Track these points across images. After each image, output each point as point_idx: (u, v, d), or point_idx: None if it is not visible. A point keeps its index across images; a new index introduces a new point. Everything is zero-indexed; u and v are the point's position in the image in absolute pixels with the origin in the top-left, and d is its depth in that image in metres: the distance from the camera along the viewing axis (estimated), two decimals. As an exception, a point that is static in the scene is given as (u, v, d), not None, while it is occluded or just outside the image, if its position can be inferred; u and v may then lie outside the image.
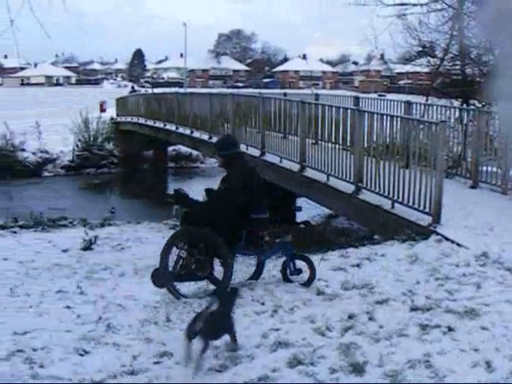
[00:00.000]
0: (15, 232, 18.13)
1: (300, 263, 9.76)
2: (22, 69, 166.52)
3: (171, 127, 31.11)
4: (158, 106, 35.36)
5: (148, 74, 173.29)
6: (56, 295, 11.24)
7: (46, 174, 38.65)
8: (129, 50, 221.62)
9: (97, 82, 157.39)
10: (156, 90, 62.66)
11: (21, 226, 18.65)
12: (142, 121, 38.03)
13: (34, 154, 39.47)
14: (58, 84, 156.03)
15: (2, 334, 8.50)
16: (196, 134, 26.86)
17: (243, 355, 7.09)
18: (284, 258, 9.81)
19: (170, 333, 8.11)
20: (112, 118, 45.10)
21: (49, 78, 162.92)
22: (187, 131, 28.13)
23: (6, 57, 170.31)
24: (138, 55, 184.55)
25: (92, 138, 41.59)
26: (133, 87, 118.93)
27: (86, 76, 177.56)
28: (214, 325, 6.97)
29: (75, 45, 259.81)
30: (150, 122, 36.04)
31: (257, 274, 9.86)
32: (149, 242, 17.03)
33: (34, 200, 25.58)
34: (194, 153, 40.41)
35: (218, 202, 9.16)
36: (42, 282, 12.72)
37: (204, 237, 8.96)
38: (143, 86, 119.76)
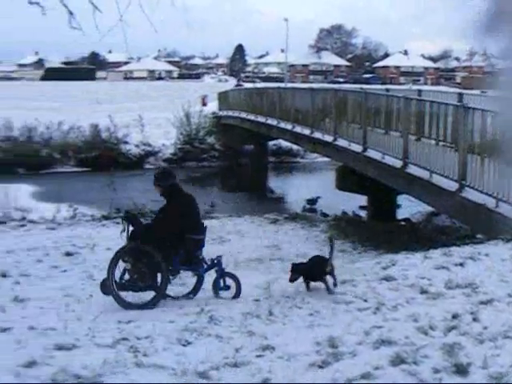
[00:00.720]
0: (118, 223, 18.50)
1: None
2: (126, 63, 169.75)
3: (272, 122, 31.20)
4: (259, 101, 35.50)
5: (249, 69, 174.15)
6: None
7: (148, 166, 39.32)
8: (229, 44, 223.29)
9: (198, 77, 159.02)
10: (257, 85, 62.94)
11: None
12: (243, 115, 38.26)
13: (136, 146, 40.27)
14: (159, 78, 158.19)
15: (107, 322, 8.72)
16: (297, 129, 26.84)
17: (345, 352, 7.05)
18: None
19: (272, 326, 8.12)
20: (213, 112, 45.53)
21: (151, 72, 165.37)
22: (288, 126, 28.15)
23: (110, 51, 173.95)
24: (239, 50, 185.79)
25: (194, 132, 42.11)
26: (239, 80, 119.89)
27: (188, 70, 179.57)
28: None
29: (177, 39, 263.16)
30: (251, 117, 36.22)
31: (197, 288, 10.59)
32: (249, 236, 17.19)
33: (136, 192, 26.01)
34: (295, 147, 40.39)
35: (157, 228, 10.17)
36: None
37: (146, 253, 9.94)
38: (246, 81, 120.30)
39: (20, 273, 12.89)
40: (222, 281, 10.51)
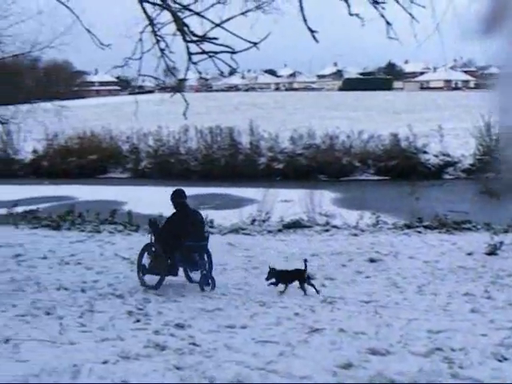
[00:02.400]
0: (420, 232, 18.49)
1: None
2: (422, 73, 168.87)
3: None
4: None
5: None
6: (463, 297, 11.29)
7: (447, 176, 38.81)
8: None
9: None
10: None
11: (425, 227, 18.98)
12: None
13: (435, 156, 39.87)
14: (456, 88, 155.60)
15: (417, 331, 8.73)
16: None
17: None
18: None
19: None
20: (515, 123, 44.03)
21: (447, 82, 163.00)
22: None
23: (406, 62, 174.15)
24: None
25: (493, 143, 40.91)
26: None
27: (484, 80, 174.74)
28: None
29: (473, 48, 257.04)
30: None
31: (203, 279, 12.67)
32: None
33: (435, 201, 25.75)
34: None
35: (163, 231, 13.10)
36: (448, 283, 12.83)
37: (156, 250, 12.98)
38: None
39: (325, 276, 13.30)
40: (206, 278, 12.68)
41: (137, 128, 41.19)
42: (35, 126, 29.56)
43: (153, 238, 13.29)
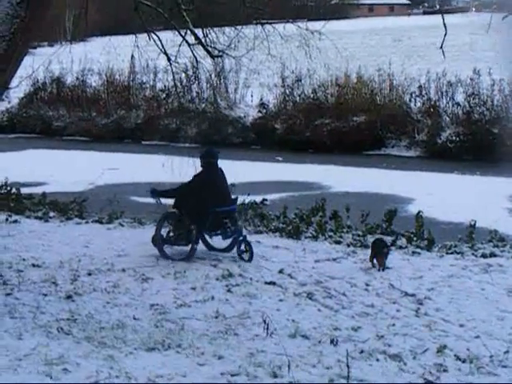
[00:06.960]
0: None
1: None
2: None
3: None
4: None
5: None
6: None
7: None
8: None
9: None
10: None
11: None
12: None
13: None
14: None
15: None
16: None
17: None
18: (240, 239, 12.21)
19: None
20: None
21: None
22: None
23: None
24: None
25: None
26: None
27: None
28: None
29: None
30: None
31: (229, 248, 12.14)
32: None
33: None
34: None
35: (183, 191, 12.18)
36: None
37: (180, 219, 12.16)
38: None
39: None
40: (240, 245, 12.08)
41: (437, 72, 25.88)
42: (267, 64, 21.25)
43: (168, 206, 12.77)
